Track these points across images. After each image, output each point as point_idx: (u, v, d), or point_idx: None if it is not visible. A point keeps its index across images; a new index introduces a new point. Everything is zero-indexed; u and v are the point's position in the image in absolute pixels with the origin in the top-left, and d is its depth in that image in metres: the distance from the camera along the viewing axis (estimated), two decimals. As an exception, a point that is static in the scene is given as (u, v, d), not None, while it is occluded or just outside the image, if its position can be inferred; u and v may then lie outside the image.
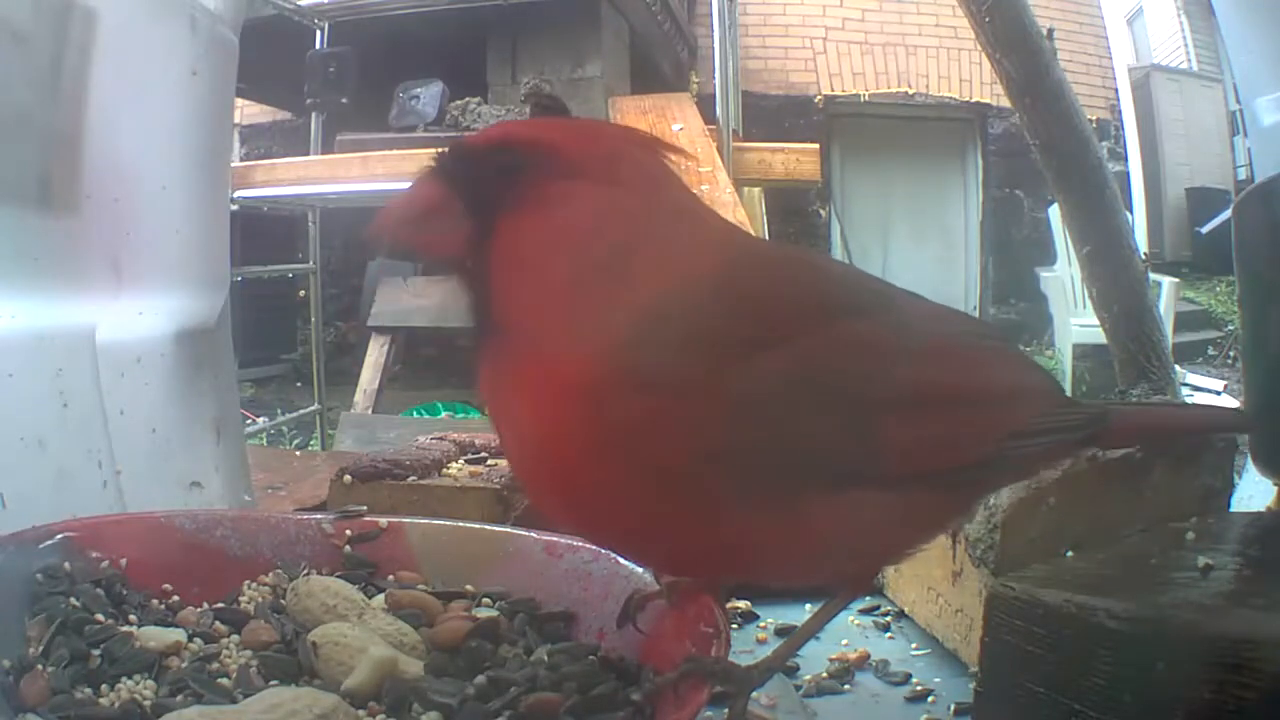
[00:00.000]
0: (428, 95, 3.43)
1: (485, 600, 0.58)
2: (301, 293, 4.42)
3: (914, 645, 0.77)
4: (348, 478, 0.85)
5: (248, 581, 0.58)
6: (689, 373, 0.40)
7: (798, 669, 0.73)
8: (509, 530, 0.64)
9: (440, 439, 0.99)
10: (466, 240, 0.42)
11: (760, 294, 0.43)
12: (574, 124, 0.47)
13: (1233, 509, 0.78)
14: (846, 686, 0.71)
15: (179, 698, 0.46)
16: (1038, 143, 1.33)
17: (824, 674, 0.72)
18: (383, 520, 0.63)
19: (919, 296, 0.50)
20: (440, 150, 0.44)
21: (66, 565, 0.53)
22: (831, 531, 0.44)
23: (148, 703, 0.45)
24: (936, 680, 0.71)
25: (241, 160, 4.27)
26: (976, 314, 5.34)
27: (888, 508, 0.45)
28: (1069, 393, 0.54)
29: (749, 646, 0.76)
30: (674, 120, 2.78)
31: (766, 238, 3.14)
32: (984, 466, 0.47)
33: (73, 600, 0.51)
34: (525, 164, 0.41)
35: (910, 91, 5.51)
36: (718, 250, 0.44)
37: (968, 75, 5.41)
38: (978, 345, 0.50)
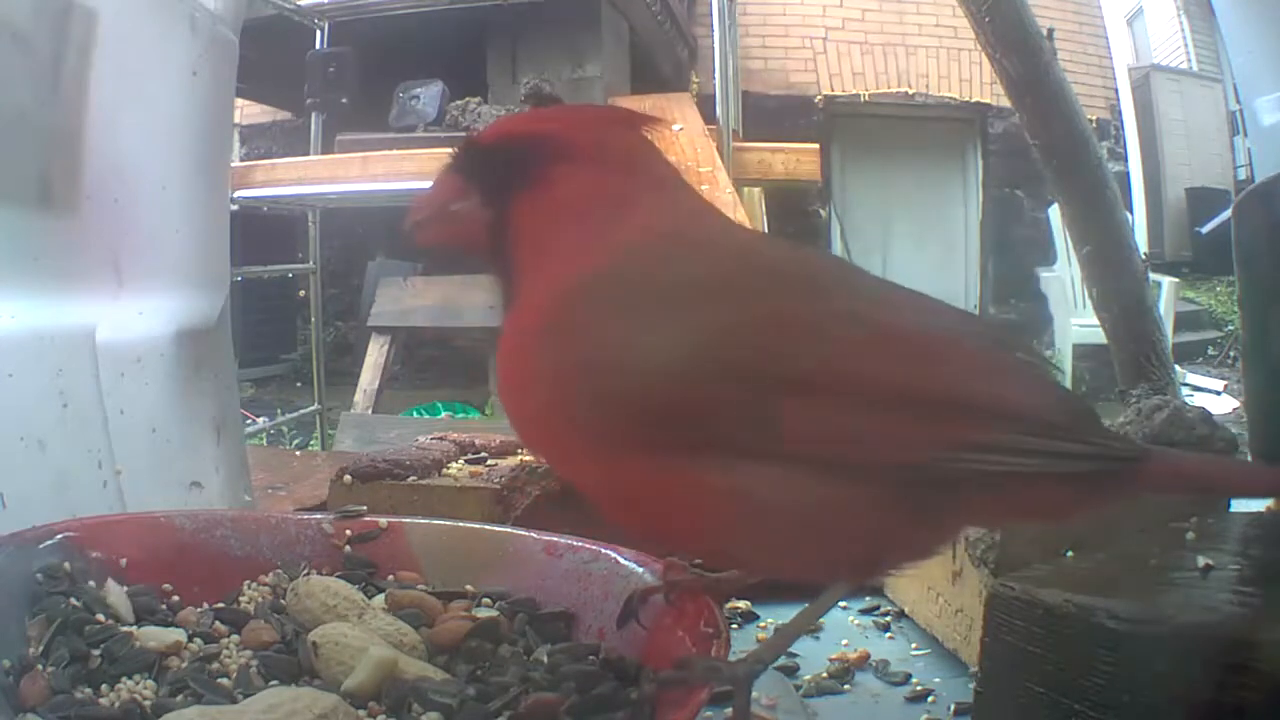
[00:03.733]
0: (428, 95, 3.43)
1: (485, 600, 0.58)
2: (301, 293, 4.43)
3: (914, 645, 0.77)
4: (348, 478, 0.85)
5: (248, 581, 0.58)
6: (606, 325, 0.44)
7: (798, 669, 0.73)
8: (509, 530, 0.64)
9: (440, 439, 0.99)
10: (488, 227, 0.48)
11: (683, 263, 0.46)
12: (564, 113, 0.52)
13: (1233, 509, 0.78)
14: (846, 686, 0.71)
15: (179, 698, 0.46)
16: (1038, 143, 1.33)
17: (824, 674, 0.72)
18: (383, 520, 0.63)
19: (925, 296, 0.48)
20: (454, 149, 0.49)
21: (66, 565, 0.53)
22: (737, 505, 0.44)
23: (148, 703, 0.45)
24: (936, 680, 0.71)
25: (241, 160, 4.27)
26: (976, 313, 5.36)
27: (809, 496, 0.43)
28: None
29: (749, 646, 0.76)
30: (674, 120, 2.78)
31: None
32: (925, 473, 0.43)
33: (73, 600, 0.51)
34: (528, 154, 0.47)
35: (910, 91, 5.50)
36: (672, 220, 0.47)
37: (968, 75, 5.41)
38: (948, 343, 0.46)
